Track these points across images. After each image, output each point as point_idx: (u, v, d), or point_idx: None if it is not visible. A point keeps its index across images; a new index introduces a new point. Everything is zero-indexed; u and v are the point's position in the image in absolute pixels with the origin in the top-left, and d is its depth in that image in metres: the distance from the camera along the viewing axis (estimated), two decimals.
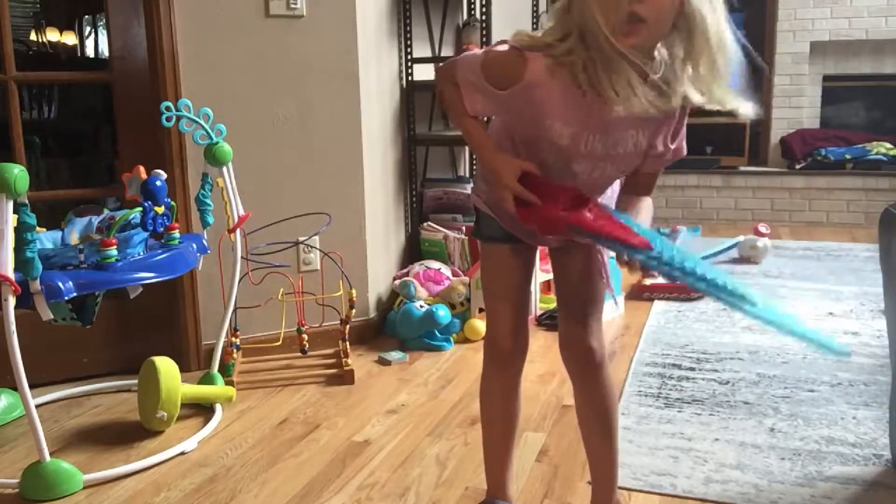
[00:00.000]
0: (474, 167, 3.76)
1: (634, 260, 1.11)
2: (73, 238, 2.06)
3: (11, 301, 1.61)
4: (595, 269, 1.39)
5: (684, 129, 1.29)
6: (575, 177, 1.25)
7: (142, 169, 1.98)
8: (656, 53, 1.17)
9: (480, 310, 2.73)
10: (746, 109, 1.19)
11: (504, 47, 1.20)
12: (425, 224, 3.16)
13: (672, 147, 1.28)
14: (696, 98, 1.17)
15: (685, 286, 3.18)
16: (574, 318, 1.41)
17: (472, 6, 3.64)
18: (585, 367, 1.42)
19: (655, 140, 1.25)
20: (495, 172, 1.24)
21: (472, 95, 1.26)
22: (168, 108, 2.02)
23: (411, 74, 3.11)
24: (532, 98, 1.18)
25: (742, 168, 5.06)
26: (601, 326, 1.42)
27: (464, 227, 3.13)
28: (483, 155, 1.28)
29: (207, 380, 2.23)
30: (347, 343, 2.47)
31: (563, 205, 1.19)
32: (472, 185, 3.29)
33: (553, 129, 1.20)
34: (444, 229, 3.11)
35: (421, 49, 3.27)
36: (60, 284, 1.68)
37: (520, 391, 1.50)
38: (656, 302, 3.16)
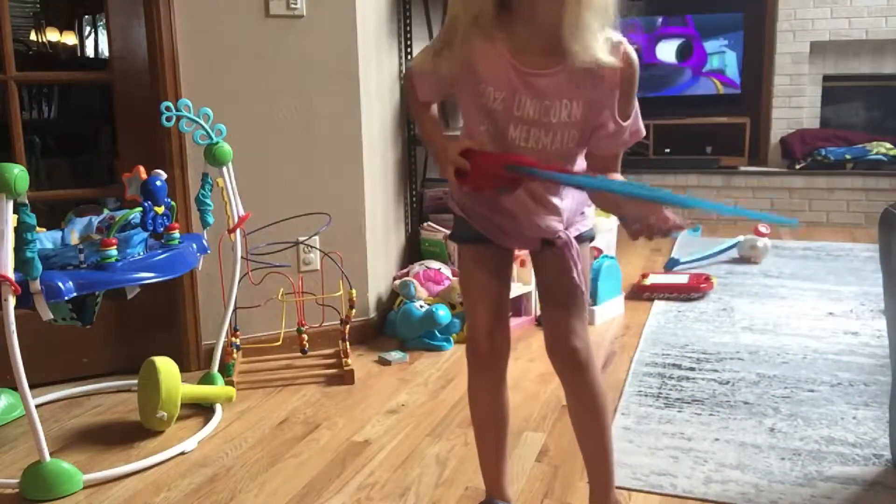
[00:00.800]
0: None
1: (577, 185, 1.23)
2: (73, 238, 2.06)
3: (11, 301, 1.61)
4: (570, 269, 1.38)
5: (637, 109, 1.30)
6: (512, 143, 1.28)
7: (142, 169, 1.98)
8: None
9: None
10: (610, 61, 1.21)
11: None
12: (425, 224, 3.16)
13: (625, 125, 1.28)
14: (577, 51, 1.19)
15: (685, 287, 3.20)
16: (555, 319, 1.40)
17: None
18: (570, 368, 1.41)
19: (593, 113, 1.26)
20: (441, 152, 1.32)
21: (422, 81, 1.36)
22: (168, 108, 2.02)
23: None
24: (468, 61, 1.26)
25: (742, 168, 5.06)
26: (585, 326, 1.41)
27: None
28: (433, 142, 1.39)
29: (207, 380, 2.24)
30: (347, 343, 2.47)
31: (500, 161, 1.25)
32: None
33: (486, 93, 1.26)
34: (444, 229, 3.10)
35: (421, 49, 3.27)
36: (60, 284, 1.68)
37: (506, 392, 1.50)
38: (656, 302, 3.16)
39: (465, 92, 1.31)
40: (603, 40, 1.20)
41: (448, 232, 3.05)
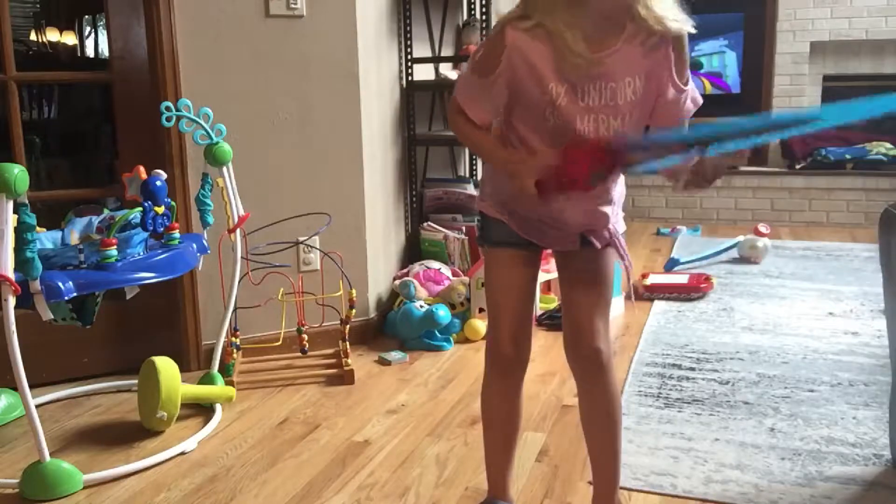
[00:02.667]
0: (474, 168, 3.77)
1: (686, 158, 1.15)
2: (73, 238, 2.06)
3: (11, 301, 1.61)
4: (602, 270, 1.38)
5: (690, 75, 1.29)
6: (581, 136, 1.26)
7: (142, 169, 1.98)
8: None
9: (480, 310, 2.73)
10: (686, 26, 1.24)
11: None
12: (425, 224, 3.16)
13: (685, 89, 1.28)
14: (644, 13, 1.19)
15: (685, 287, 3.20)
16: (580, 319, 1.38)
17: (472, 6, 3.64)
18: (592, 370, 1.39)
19: (653, 83, 1.25)
20: (513, 164, 1.26)
21: (474, 105, 1.31)
22: (168, 108, 2.03)
23: (411, 74, 3.11)
24: (521, 63, 1.22)
25: (742, 168, 5.06)
26: (608, 328, 1.40)
27: (464, 227, 3.13)
28: (498, 156, 1.31)
29: (207, 380, 2.23)
30: (347, 343, 2.47)
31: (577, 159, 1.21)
32: (474, 187, 3.30)
33: (549, 89, 1.23)
34: (444, 229, 3.11)
35: (421, 49, 3.27)
36: (60, 284, 1.68)
37: (522, 397, 1.49)
38: (656, 302, 3.16)
39: (522, 96, 1.27)
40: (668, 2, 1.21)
41: (448, 232, 3.07)
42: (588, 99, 1.23)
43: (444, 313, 2.64)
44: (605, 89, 1.23)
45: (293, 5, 2.46)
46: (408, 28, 3.06)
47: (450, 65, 3.41)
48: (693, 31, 1.25)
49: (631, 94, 1.24)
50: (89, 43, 6.54)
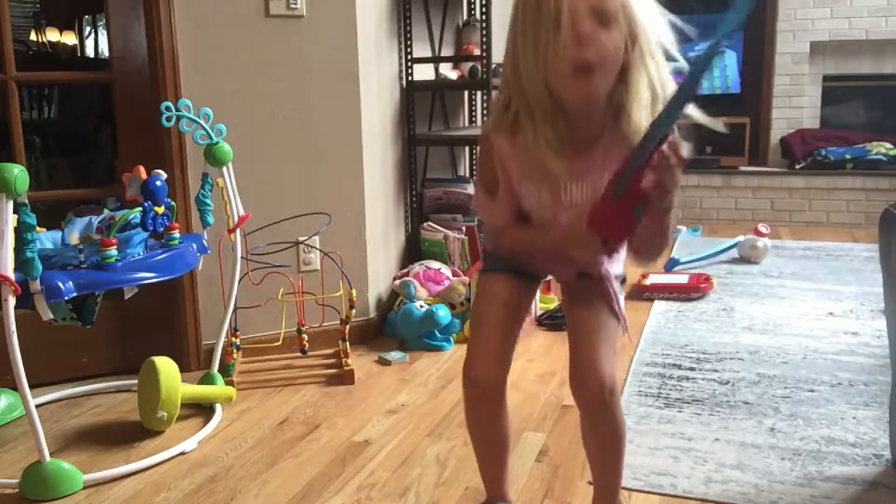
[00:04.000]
0: (474, 168, 3.77)
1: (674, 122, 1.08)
2: (73, 238, 2.06)
3: (11, 301, 1.61)
4: (606, 297, 1.34)
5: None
6: (561, 226, 1.27)
7: (142, 169, 1.98)
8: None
9: None
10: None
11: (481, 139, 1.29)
12: (425, 224, 3.16)
13: None
14: (625, 126, 1.16)
15: (685, 287, 3.20)
16: (585, 349, 1.31)
17: (472, 6, 3.65)
18: (594, 403, 1.31)
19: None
20: (572, 233, 1.22)
21: (495, 213, 1.33)
22: (168, 108, 2.03)
23: (411, 74, 3.11)
24: (510, 169, 1.24)
25: (742, 168, 5.06)
26: (614, 359, 1.32)
27: (464, 227, 3.13)
28: (538, 240, 1.31)
29: (207, 380, 2.23)
30: (347, 343, 2.47)
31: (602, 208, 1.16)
32: (474, 187, 3.30)
33: (532, 192, 1.24)
34: (444, 229, 3.11)
35: (421, 49, 3.27)
36: (60, 284, 1.68)
37: (506, 416, 1.42)
38: (656, 302, 3.16)
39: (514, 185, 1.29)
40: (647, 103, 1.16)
41: (448, 232, 3.07)
42: (570, 195, 1.23)
43: (444, 313, 2.64)
44: (587, 185, 1.22)
45: (293, 5, 2.46)
46: (408, 28, 3.06)
47: (450, 65, 3.41)
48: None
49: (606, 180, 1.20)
50: (89, 43, 6.54)
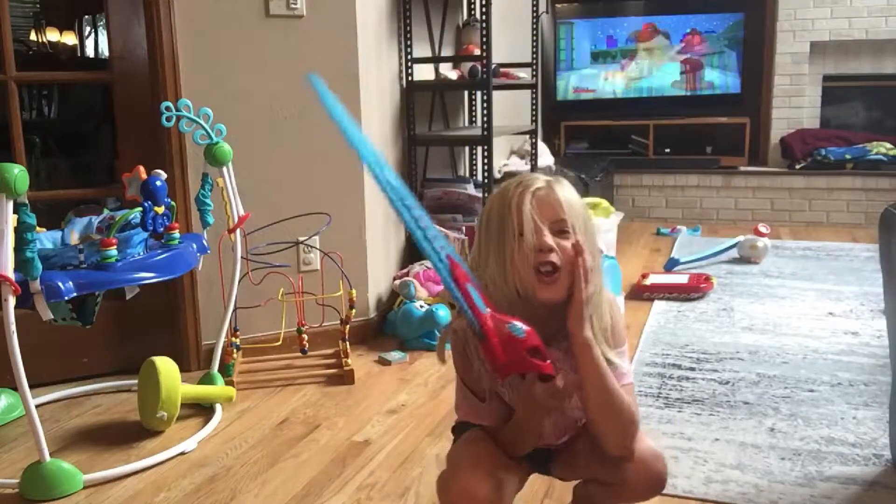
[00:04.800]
0: (474, 168, 3.77)
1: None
2: (73, 238, 2.05)
3: (11, 301, 1.61)
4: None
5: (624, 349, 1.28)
6: (546, 425, 1.27)
7: (142, 169, 1.98)
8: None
9: None
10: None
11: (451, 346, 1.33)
12: None
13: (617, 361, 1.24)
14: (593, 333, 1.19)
15: (685, 287, 3.20)
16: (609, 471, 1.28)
17: (472, 6, 3.65)
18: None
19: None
20: (548, 398, 1.16)
21: (480, 416, 1.32)
22: (168, 108, 2.02)
23: (411, 74, 3.11)
24: (480, 378, 1.27)
25: (742, 168, 5.06)
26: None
27: (464, 227, 3.13)
28: (525, 423, 1.23)
29: (207, 380, 2.23)
30: (347, 343, 2.47)
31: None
32: (474, 187, 3.30)
33: (507, 389, 1.25)
34: (444, 229, 3.10)
35: (421, 49, 3.27)
36: (60, 284, 1.68)
37: None
38: (656, 302, 3.16)
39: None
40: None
41: (448, 232, 3.07)
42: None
43: (444, 313, 2.64)
44: (560, 377, 1.18)
45: (293, 5, 2.46)
46: (408, 28, 3.06)
47: (450, 65, 3.41)
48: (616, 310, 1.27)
49: (572, 381, 1.19)
50: (89, 43, 6.54)
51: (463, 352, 1.29)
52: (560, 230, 1.17)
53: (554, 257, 1.15)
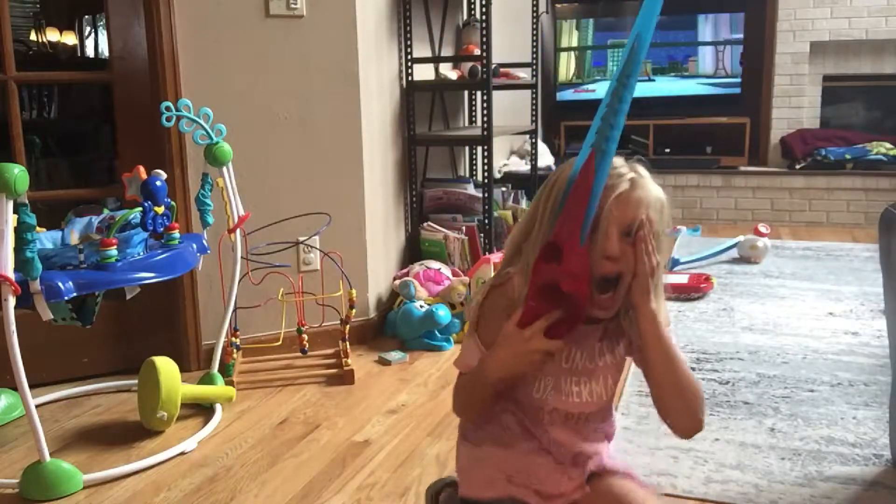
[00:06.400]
0: (474, 168, 3.76)
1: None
2: (73, 238, 2.06)
3: (11, 301, 1.61)
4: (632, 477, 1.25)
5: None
6: (567, 400, 1.19)
7: (142, 169, 1.98)
8: None
9: None
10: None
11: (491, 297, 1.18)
12: (425, 224, 3.16)
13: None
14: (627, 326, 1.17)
15: (685, 287, 3.20)
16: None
17: (472, 6, 3.65)
18: None
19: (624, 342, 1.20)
20: (516, 340, 1.11)
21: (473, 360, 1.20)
22: (168, 108, 2.02)
23: (411, 74, 3.11)
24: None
25: (742, 168, 5.06)
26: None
27: (464, 227, 3.13)
28: (495, 357, 1.14)
29: (207, 380, 2.23)
30: (347, 343, 2.47)
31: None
32: (474, 187, 3.30)
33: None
34: (444, 229, 3.11)
35: (421, 49, 3.27)
36: (60, 284, 1.68)
37: None
38: None
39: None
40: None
41: (448, 232, 3.07)
42: (571, 360, 1.18)
43: (444, 313, 2.64)
44: (587, 351, 1.18)
45: (293, 5, 2.46)
46: (408, 28, 3.06)
47: (450, 65, 3.41)
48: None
49: (610, 359, 1.20)
50: (89, 43, 6.54)
51: (497, 310, 1.15)
52: (632, 231, 1.10)
53: (619, 266, 1.09)
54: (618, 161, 1.14)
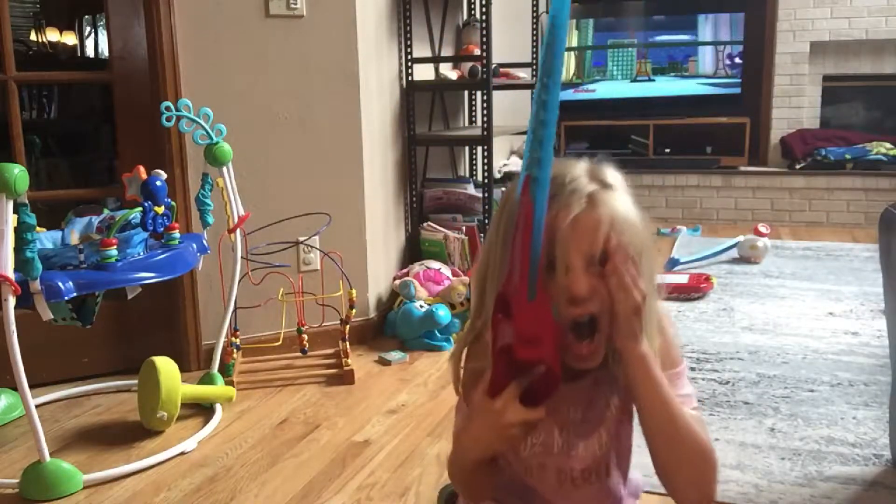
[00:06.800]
0: (474, 168, 3.76)
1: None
2: (73, 238, 2.06)
3: (11, 301, 1.61)
4: None
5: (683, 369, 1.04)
6: (556, 457, 1.03)
7: (142, 169, 1.98)
8: None
9: None
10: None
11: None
12: (425, 224, 3.16)
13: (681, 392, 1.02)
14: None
15: (685, 287, 3.20)
16: None
17: (472, 6, 3.64)
18: None
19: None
20: (487, 412, 0.93)
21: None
22: (168, 108, 2.02)
23: (411, 74, 3.11)
24: None
25: (742, 168, 5.06)
26: None
27: (463, 227, 3.13)
28: (465, 441, 0.99)
29: (207, 380, 2.23)
30: (347, 343, 2.47)
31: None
32: (474, 187, 3.30)
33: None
34: (444, 229, 3.11)
35: (421, 49, 3.27)
36: (60, 284, 1.68)
37: None
38: None
39: None
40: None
41: (448, 232, 3.07)
42: (567, 415, 1.02)
43: (444, 313, 2.64)
44: (580, 413, 1.02)
45: (293, 5, 2.46)
46: (408, 28, 3.06)
47: (450, 65, 3.41)
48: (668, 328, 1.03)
49: (612, 411, 1.04)
50: (89, 43, 6.54)
51: (478, 374, 0.98)
52: (602, 259, 0.91)
53: (591, 306, 0.91)
54: (577, 169, 0.93)
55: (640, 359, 0.93)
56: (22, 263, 1.62)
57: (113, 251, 1.81)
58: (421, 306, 2.69)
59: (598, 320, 0.92)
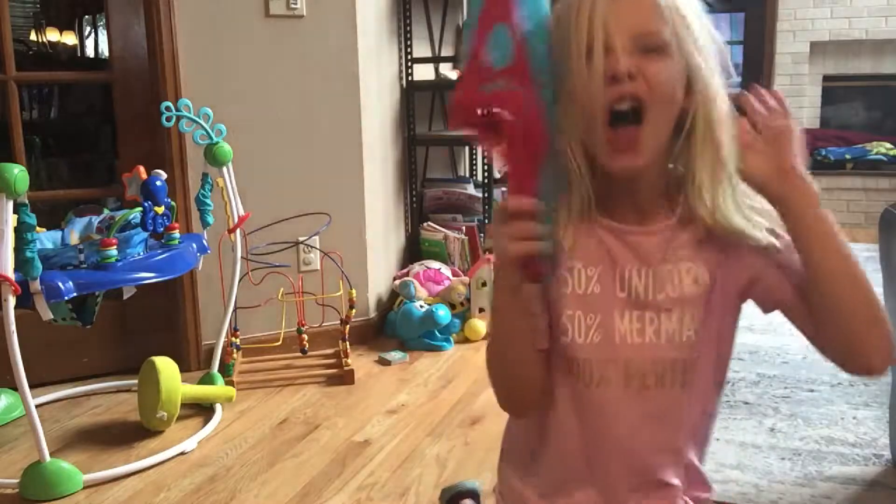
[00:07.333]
0: (474, 168, 3.76)
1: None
2: (73, 238, 2.06)
3: (11, 301, 1.61)
4: None
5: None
6: (622, 343, 0.86)
7: (142, 169, 1.98)
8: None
9: (480, 310, 2.73)
10: (758, 235, 0.87)
11: None
12: (425, 224, 3.16)
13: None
14: (704, 213, 0.83)
15: None
16: None
17: None
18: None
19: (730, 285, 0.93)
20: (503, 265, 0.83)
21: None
22: (168, 108, 2.02)
23: (411, 74, 3.11)
24: None
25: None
26: None
27: (464, 227, 3.13)
28: (499, 293, 0.85)
29: (207, 380, 2.23)
30: (347, 343, 2.47)
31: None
32: (474, 188, 3.30)
33: (574, 273, 0.86)
34: (444, 229, 3.11)
35: (421, 49, 3.27)
36: (60, 284, 1.68)
37: None
38: None
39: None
40: (741, 203, 0.85)
41: (448, 232, 3.07)
42: (629, 285, 0.87)
43: (444, 313, 2.64)
44: (652, 271, 0.87)
45: (293, 5, 2.46)
46: (408, 28, 3.06)
47: (450, 65, 3.41)
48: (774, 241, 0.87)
49: (691, 282, 0.92)
50: (89, 43, 6.53)
51: None
52: (651, 46, 0.77)
53: (636, 87, 0.76)
54: None
55: (809, 189, 0.80)
56: (22, 263, 1.62)
57: (113, 251, 1.81)
58: (421, 306, 2.69)
59: (646, 112, 0.78)
